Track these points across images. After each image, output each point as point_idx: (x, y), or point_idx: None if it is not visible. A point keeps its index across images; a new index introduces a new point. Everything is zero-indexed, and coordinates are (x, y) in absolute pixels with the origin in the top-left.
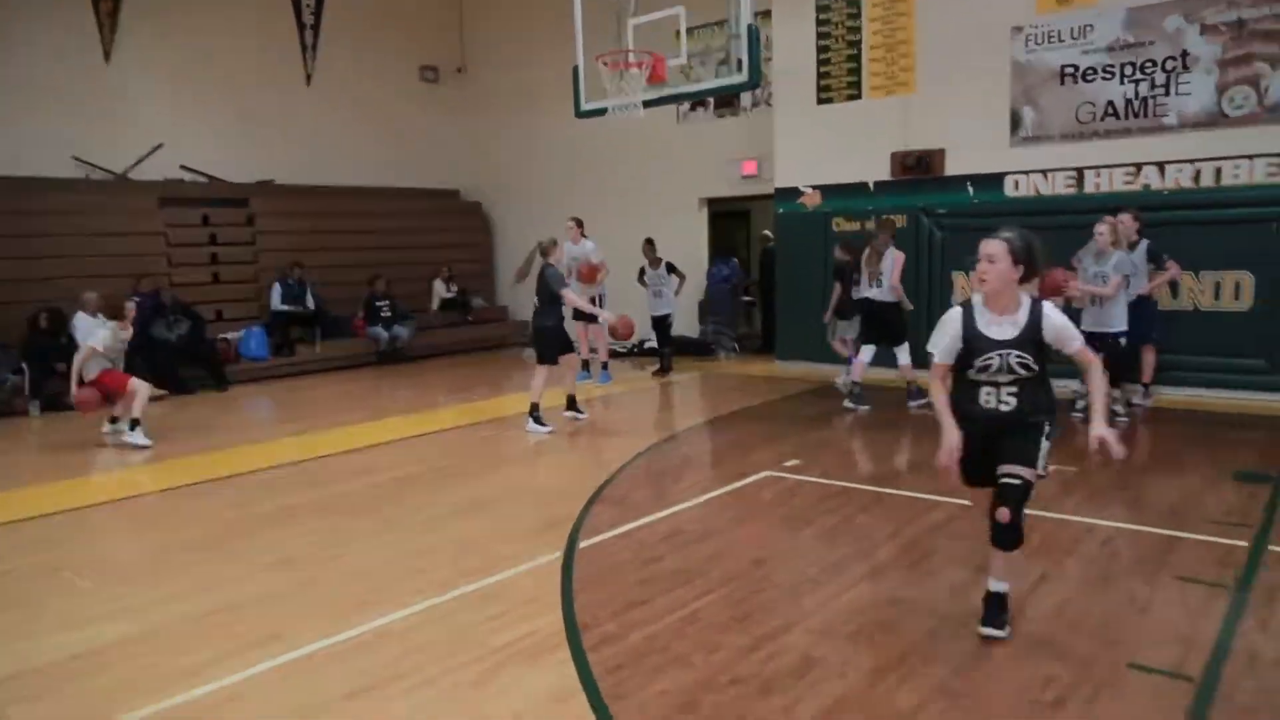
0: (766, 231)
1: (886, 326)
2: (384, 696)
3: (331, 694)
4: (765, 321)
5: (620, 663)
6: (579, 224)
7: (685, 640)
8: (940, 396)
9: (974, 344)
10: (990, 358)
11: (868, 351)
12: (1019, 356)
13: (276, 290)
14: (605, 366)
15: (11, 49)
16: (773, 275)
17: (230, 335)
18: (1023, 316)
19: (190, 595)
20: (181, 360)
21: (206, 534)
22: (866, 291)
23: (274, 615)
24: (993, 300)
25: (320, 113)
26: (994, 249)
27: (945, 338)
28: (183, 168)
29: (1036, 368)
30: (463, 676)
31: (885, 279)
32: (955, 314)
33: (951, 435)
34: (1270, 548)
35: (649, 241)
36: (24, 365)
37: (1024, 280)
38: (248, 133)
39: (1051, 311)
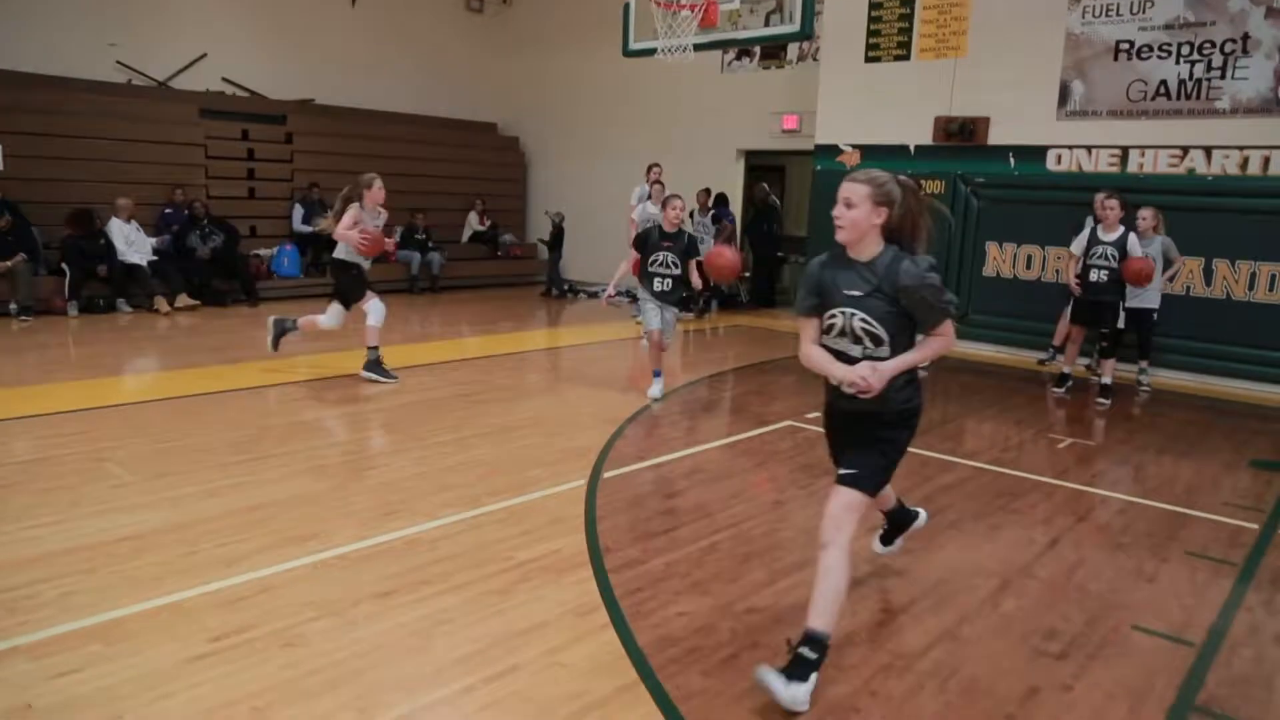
0: (764, 184)
1: None
2: (414, 598)
3: (363, 593)
4: (754, 274)
5: (640, 585)
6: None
7: (704, 569)
8: None
9: None
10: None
11: None
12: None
13: (298, 211)
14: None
15: None
16: (764, 228)
17: (263, 252)
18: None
19: (227, 492)
20: (215, 273)
21: (240, 438)
22: None
23: (308, 517)
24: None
25: (363, 35)
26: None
27: None
28: (224, 80)
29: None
30: (489, 586)
31: None
32: None
33: None
34: None
35: (705, 191)
36: (64, 266)
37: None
38: (290, 50)
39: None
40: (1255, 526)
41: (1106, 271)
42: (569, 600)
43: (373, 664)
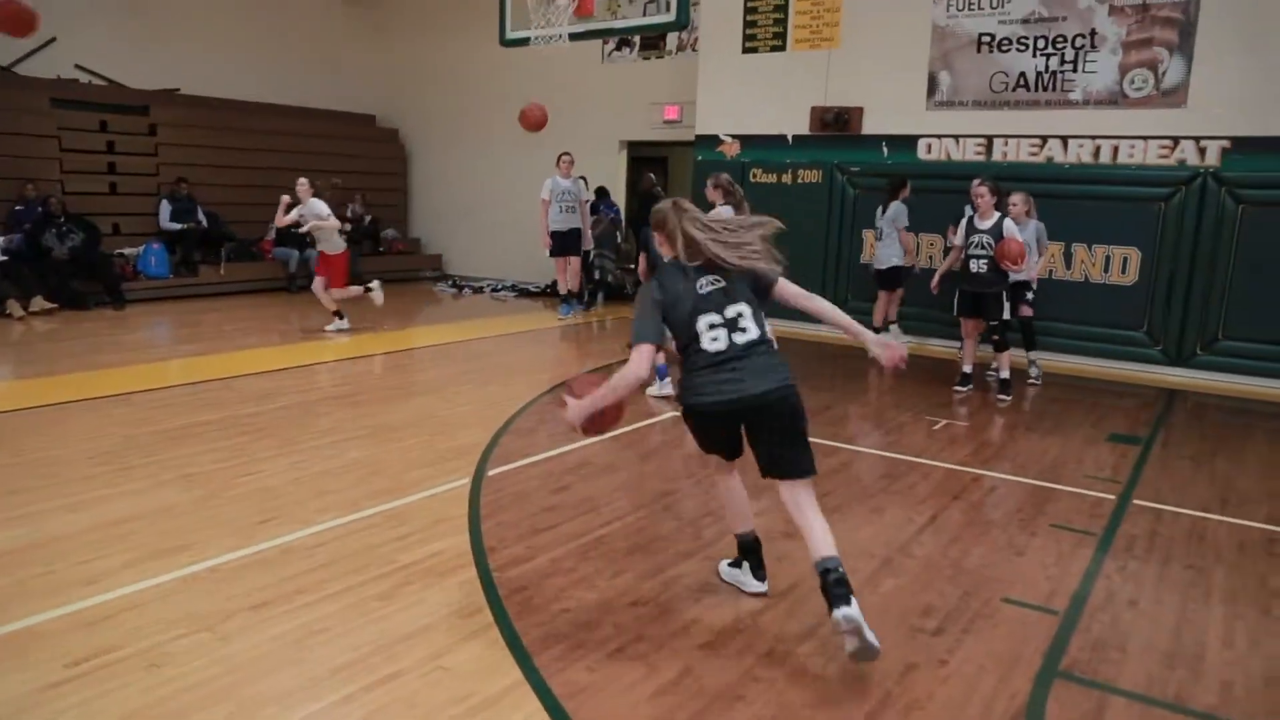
0: (652, 175)
1: None
2: (290, 607)
3: (235, 605)
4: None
5: (525, 583)
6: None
7: (589, 564)
8: None
9: None
10: None
11: None
12: None
13: (165, 207)
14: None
15: None
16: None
17: (128, 251)
18: None
19: (89, 506)
20: (74, 274)
21: (103, 449)
22: None
23: (176, 529)
24: None
25: (231, 21)
26: None
27: None
28: (77, 67)
29: None
30: (369, 591)
31: None
32: None
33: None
34: (1135, 501)
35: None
36: None
37: None
38: (151, 35)
39: None
40: (1112, 497)
41: (985, 261)
42: (452, 602)
43: (246, 679)
